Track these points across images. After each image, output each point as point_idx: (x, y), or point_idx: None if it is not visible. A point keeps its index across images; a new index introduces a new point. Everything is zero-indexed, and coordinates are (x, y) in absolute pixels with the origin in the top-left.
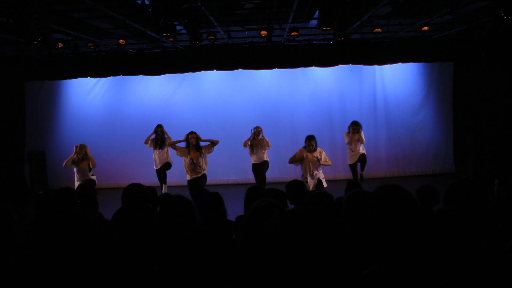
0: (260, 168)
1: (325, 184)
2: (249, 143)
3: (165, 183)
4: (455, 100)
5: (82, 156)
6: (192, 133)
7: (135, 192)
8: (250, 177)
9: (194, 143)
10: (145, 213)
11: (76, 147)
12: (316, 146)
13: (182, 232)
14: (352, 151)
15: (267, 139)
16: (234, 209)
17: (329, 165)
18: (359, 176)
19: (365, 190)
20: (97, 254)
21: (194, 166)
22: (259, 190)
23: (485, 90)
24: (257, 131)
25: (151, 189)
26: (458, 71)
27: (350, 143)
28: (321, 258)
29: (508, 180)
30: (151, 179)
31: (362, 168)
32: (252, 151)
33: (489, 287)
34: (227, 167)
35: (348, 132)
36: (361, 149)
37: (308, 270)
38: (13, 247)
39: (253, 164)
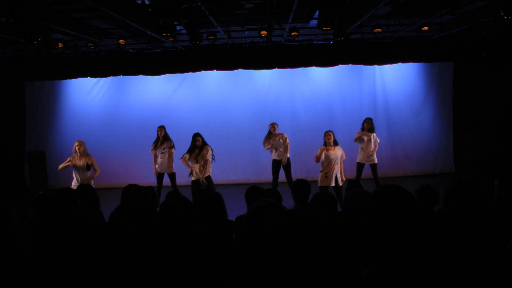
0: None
1: (340, 183)
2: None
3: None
4: (455, 100)
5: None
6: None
7: (133, 193)
8: (250, 177)
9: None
10: (143, 213)
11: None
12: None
13: (182, 232)
14: (363, 151)
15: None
16: (234, 209)
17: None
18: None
19: (365, 190)
20: (97, 254)
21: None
22: (259, 190)
23: (485, 90)
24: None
25: (149, 189)
26: (458, 71)
27: (356, 140)
28: (321, 258)
29: (508, 180)
30: (151, 179)
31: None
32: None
33: (489, 287)
34: (227, 167)
35: (362, 129)
36: (373, 152)
37: (308, 270)
38: (13, 247)
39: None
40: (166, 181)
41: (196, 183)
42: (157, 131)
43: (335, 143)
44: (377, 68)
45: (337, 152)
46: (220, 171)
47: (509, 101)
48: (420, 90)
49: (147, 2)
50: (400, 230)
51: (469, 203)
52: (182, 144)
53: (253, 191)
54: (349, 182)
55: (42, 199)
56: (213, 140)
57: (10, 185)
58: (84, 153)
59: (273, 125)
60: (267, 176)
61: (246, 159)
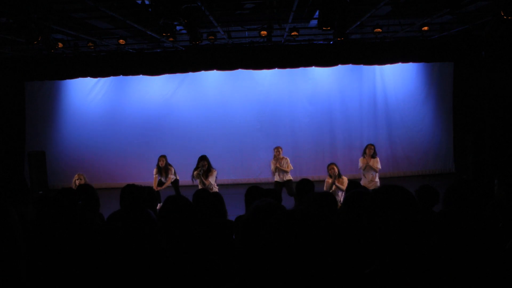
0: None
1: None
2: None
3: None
4: (455, 100)
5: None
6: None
7: (132, 193)
8: (250, 177)
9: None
10: (142, 213)
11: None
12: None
13: (182, 232)
14: (364, 177)
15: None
16: (234, 209)
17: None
18: None
19: (365, 190)
20: (97, 254)
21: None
22: (259, 190)
23: (485, 90)
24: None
25: (148, 189)
26: (458, 71)
27: (362, 168)
28: (322, 257)
29: (508, 180)
30: (151, 179)
31: None
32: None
33: (489, 287)
34: (227, 167)
35: (363, 157)
36: (373, 179)
37: (309, 269)
38: (13, 247)
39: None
40: None
41: None
42: (159, 160)
43: (339, 175)
44: (377, 68)
45: (343, 183)
46: (220, 171)
47: (509, 101)
48: (420, 90)
49: (147, 2)
50: (400, 230)
51: (469, 203)
52: (181, 144)
53: (253, 191)
54: (349, 182)
55: (42, 199)
56: (213, 140)
57: (10, 185)
58: None
59: (277, 149)
60: (267, 176)
61: (246, 159)
